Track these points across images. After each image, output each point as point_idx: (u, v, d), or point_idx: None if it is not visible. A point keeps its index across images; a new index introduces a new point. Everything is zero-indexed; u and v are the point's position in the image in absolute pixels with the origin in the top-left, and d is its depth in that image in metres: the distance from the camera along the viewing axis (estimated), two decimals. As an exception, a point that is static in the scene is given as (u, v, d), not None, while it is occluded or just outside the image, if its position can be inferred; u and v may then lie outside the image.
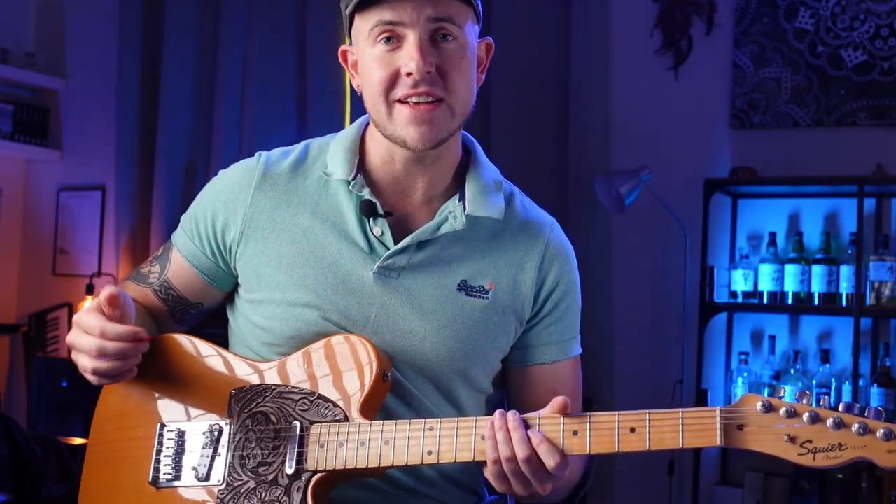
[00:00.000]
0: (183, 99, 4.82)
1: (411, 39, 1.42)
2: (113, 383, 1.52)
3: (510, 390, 1.64)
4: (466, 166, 1.59)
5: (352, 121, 4.62)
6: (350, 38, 1.54)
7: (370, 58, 1.46)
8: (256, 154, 1.62)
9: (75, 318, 1.45)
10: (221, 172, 1.65)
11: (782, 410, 1.24)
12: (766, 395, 3.77)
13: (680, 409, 1.28)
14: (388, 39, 1.44)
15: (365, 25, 1.46)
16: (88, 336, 1.42)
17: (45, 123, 5.19)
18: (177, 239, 1.65)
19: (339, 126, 4.33)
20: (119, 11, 4.92)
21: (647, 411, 1.30)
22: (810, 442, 1.22)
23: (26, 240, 5.32)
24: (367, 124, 1.60)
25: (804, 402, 1.24)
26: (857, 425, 1.20)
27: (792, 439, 1.23)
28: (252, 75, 4.60)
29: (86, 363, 1.44)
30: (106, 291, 1.43)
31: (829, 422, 1.22)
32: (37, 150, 5.15)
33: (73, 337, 1.45)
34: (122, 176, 4.88)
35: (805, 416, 1.23)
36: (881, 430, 1.19)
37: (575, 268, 1.64)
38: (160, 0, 4.88)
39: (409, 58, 1.42)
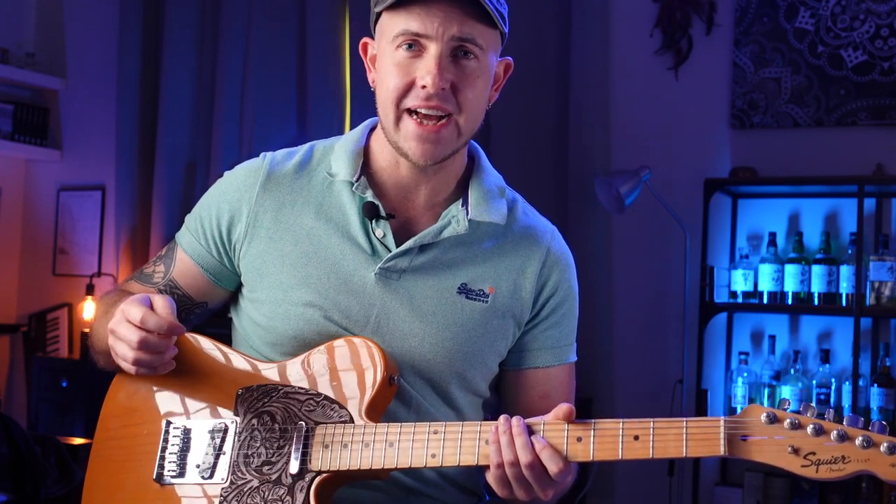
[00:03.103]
0: (183, 99, 4.82)
1: (432, 52, 1.45)
2: (151, 374, 1.52)
3: (504, 393, 1.65)
4: (470, 173, 1.61)
5: (352, 121, 4.62)
6: (374, 32, 1.55)
7: (389, 61, 1.48)
8: (261, 155, 1.63)
9: (122, 306, 1.46)
10: (227, 173, 1.66)
11: (786, 422, 1.24)
12: (766, 394, 3.75)
13: (684, 419, 1.29)
14: (409, 46, 1.46)
15: (390, 28, 1.47)
16: (131, 325, 1.44)
17: (45, 123, 5.19)
18: (181, 239, 1.66)
19: (339, 126, 4.34)
20: (119, 11, 4.92)
21: (652, 419, 1.30)
22: (814, 454, 1.22)
23: (26, 240, 5.32)
24: (373, 128, 1.61)
25: (808, 414, 1.25)
26: (860, 438, 1.21)
27: (795, 451, 1.23)
28: (252, 75, 4.60)
29: (126, 352, 1.45)
30: (161, 299, 1.48)
31: (833, 434, 1.22)
32: (37, 150, 5.15)
33: (116, 325, 1.46)
34: (122, 176, 4.88)
35: (809, 428, 1.23)
36: (885, 444, 1.20)
37: (574, 276, 1.66)
38: (160, 0, 4.88)
39: (426, 70, 1.44)
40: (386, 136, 1.52)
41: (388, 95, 1.47)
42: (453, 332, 1.53)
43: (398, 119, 1.47)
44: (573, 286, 1.65)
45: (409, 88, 1.46)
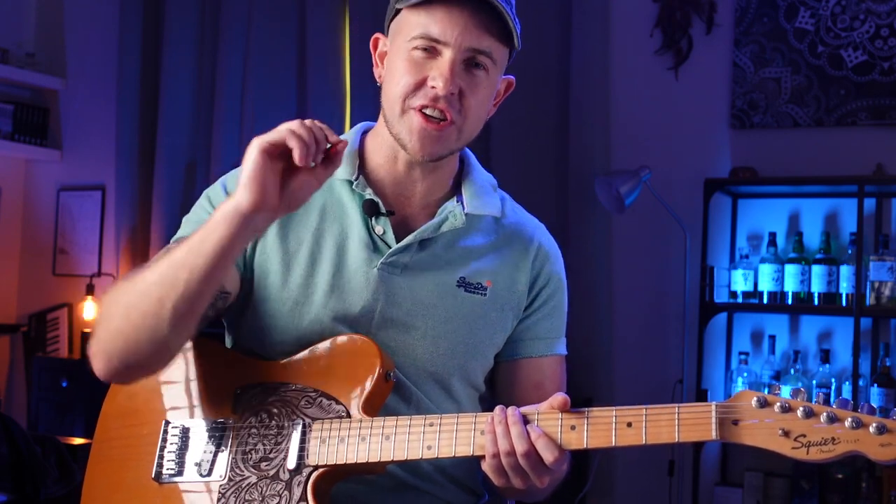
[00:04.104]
0: (183, 99, 4.82)
1: (446, 57, 1.47)
2: (303, 158, 1.35)
3: (498, 385, 1.67)
4: (462, 173, 1.65)
5: (352, 121, 4.62)
6: (387, 28, 1.57)
7: (402, 58, 1.50)
8: None
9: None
10: (232, 171, 1.63)
11: (777, 406, 1.26)
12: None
13: (676, 405, 1.30)
14: (425, 49, 1.48)
15: (409, 27, 1.50)
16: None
17: (45, 123, 5.20)
18: (194, 231, 1.53)
19: (339, 126, 4.34)
20: (119, 11, 4.93)
21: (645, 406, 1.32)
22: (804, 436, 1.24)
23: (26, 240, 5.33)
24: (367, 130, 1.65)
25: (799, 398, 1.26)
26: (850, 420, 1.22)
27: (786, 433, 1.24)
28: (252, 75, 4.61)
29: (284, 126, 1.36)
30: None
31: (823, 416, 1.24)
32: (37, 150, 5.16)
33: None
34: (122, 176, 4.89)
35: (799, 411, 1.25)
36: (874, 425, 1.21)
37: (563, 270, 1.70)
38: (160, 0, 4.88)
39: (438, 72, 1.47)
40: (388, 128, 1.54)
41: (397, 90, 1.49)
42: (455, 324, 1.56)
43: (403, 113, 1.50)
44: (563, 279, 1.69)
45: (418, 87, 1.48)
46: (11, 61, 5.05)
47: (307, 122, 1.37)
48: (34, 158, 5.25)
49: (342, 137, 1.63)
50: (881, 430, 1.20)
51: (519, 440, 1.34)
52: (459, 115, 1.49)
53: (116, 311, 1.41)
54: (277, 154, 1.36)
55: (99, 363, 1.44)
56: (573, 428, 1.34)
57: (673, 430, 1.29)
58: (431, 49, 1.48)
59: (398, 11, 1.53)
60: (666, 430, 1.29)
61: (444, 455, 1.39)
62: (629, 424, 1.31)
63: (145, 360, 1.44)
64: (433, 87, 1.47)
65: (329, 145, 1.39)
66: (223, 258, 1.36)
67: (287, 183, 1.37)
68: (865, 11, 3.78)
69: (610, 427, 1.32)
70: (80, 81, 5.20)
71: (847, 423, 1.22)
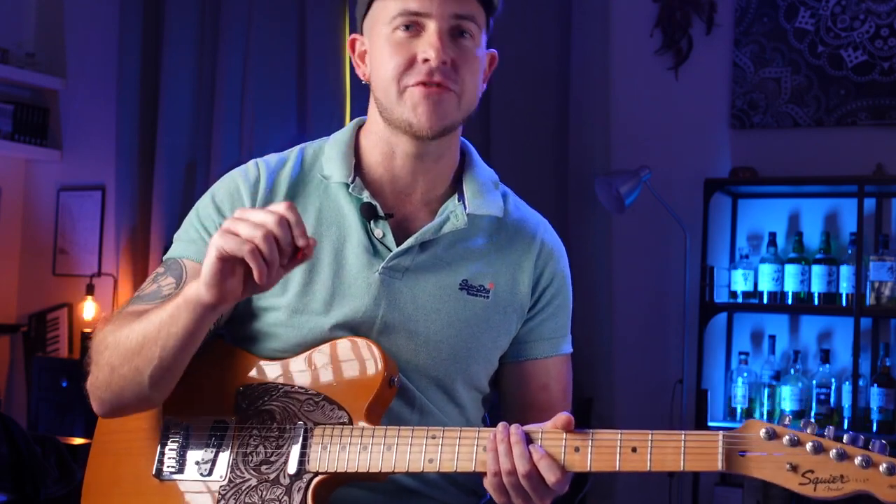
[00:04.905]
0: (183, 99, 4.82)
1: (432, 29, 1.45)
2: (259, 281, 1.29)
3: (503, 387, 1.65)
4: (463, 168, 1.61)
5: (352, 120, 4.62)
6: (361, 26, 1.55)
7: (386, 42, 1.47)
8: (252, 162, 1.60)
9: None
10: (220, 181, 1.61)
11: (786, 438, 1.24)
12: (766, 394, 3.70)
13: (682, 432, 1.29)
14: (407, 27, 1.46)
15: (386, 11, 1.47)
16: (250, 221, 1.28)
17: (45, 123, 5.19)
18: (184, 251, 1.56)
19: (339, 126, 4.32)
20: (119, 11, 4.93)
21: (650, 431, 1.30)
22: (812, 472, 1.22)
23: (26, 240, 5.32)
24: (361, 126, 1.61)
25: (808, 431, 1.24)
26: (860, 458, 1.20)
27: (794, 468, 1.23)
28: (252, 75, 4.61)
29: (244, 238, 1.27)
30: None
31: (833, 453, 1.22)
32: (37, 150, 5.15)
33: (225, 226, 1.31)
34: (122, 176, 4.88)
35: (808, 446, 1.23)
36: (884, 465, 1.20)
37: (567, 267, 1.67)
38: (160, 0, 4.88)
39: (428, 45, 1.45)
40: (385, 117, 1.51)
41: (389, 73, 1.47)
42: (457, 328, 1.53)
43: (400, 94, 1.47)
44: (567, 277, 1.66)
45: (410, 65, 1.46)
46: (11, 61, 5.04)
47: (276, 229, 1.27)
48: (34, 158, 5.25)
49: (339, 134, 1.62)
50: (891, 470, 1.19)
51: (520, 460, 1.32)
52: (457, 85, 1.47)
53: (104, 362, 1.45)
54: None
55: (94, 402, 1.50)
56: (577, 450, 1.32)
57: (678, 458, 1.28)
58: (414, 25, 1.45)
59: (370, 5, 1.51)
60: (671, 457, 1.28)
61: (446, 469, 1.38)
62: (634, 450, 1.30)
63: (133, 407, 1.50)
64: (425, 61, 1.44)
65: (298, 246, 1.29)
66: (192, 337, 1.39)
67: (250, 274, 1.29)
68: (865, 11, 3.78)
69: (614, 451, 1.31)
70: (80, 81, 5.19)
71: (857, 462, 1.20)
